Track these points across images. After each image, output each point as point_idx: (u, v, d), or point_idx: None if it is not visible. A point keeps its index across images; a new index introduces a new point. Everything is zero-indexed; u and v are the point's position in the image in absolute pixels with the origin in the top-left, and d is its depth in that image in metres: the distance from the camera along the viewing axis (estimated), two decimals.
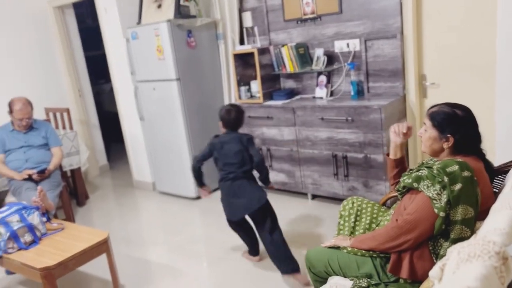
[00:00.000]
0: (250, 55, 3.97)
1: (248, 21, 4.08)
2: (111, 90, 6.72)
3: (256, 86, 3.96)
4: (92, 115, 5.33)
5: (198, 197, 4.16)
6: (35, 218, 2.66)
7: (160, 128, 4.17)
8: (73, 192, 4.47)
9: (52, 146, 3.61)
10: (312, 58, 3.75)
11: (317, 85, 3.70)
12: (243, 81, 4.00)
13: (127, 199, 4.51)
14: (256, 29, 3.92)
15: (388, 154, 2.04)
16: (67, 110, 4.44)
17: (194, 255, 3.12)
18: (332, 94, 3.67)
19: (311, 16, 3.65)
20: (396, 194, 1.88)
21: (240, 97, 3.96)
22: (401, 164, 2.01)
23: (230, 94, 4.26)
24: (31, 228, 2.61)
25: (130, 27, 4.08)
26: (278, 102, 3.71)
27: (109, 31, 4.35)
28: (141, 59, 4.08)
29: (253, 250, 2.92)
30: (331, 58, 3.64)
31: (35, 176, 3.32)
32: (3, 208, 2.67)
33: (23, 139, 3.49)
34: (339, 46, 3.57)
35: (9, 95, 4.58)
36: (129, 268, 3.02)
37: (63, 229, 2.77)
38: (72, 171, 4.30)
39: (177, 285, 2.76)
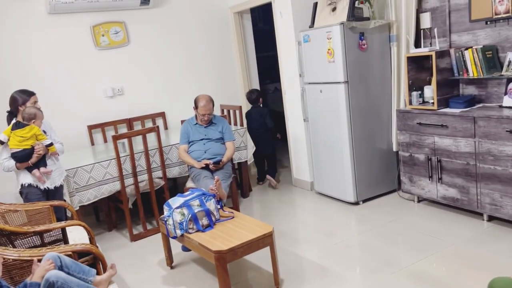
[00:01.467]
0: (426, 58, 3.72)
1: (426, 22, 3.82)
2: (274, 90, 7.08)
3: (430, 91, 3.69)
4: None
5: (357, 203, 4.09)
6: (211, 205, 2.94)
7: (323, 130, 4.21)
8: (239, 183, 4.83)
9: (227, 140, 3.95)
10: (501, 63, 3.32)
11: (505, 93, 3.27)
12: (415, 85, 3.77)
13: (286, 195, 4.68)
14: (435, 30, 3.65)
15: None
16: (240, 108, 4.81)
17: (349, 260, 3.07)
18: None
19: (504, 15, 3.23)
20: None
21: (411, 103, 3.75)
22: None
23: (400, 98, 4.06)
24: (208, 213, 2.90)
25: (303, 30, 4.21)
26: (455, 110, 3.39)
27: (283, 34, 4.56)
28: (310, 61, 4.17)
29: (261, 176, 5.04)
30: None
31: (211, 166, 3.69)
32: (187, 193, 3.03)
33: (204, 132, 3.90)
34: None
35: (191, 91, 5.23)
36: (286, 263, 3.12)
37: (233, 217, 3.01)
38: (239, 164, 4.65)
39: None
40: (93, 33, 4.63)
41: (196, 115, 3.93)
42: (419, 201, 3.95)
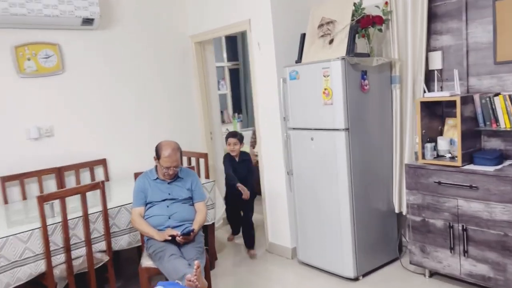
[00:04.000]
0: (437, 104, 3.15)
1: (436, 62, 3.27)
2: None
3: (445, 143, 3.10)
4: (220, 162, 4.80)
5: (356, 278, 3.29)
6: None
7: (313, 186, 3.43)
8: None
9: (197, 201, 3.02)
10: None
11: None
12: (426, 136, 3.15)
13: (260, 265, 3.78)
14: (456, 72, 3.09)
15: None
16: (205, 156, 3.90)
17: None
18: None
19: None
20: None
21: (424, 156, 3.11)
22: None
23: (403, 150, 3.42)
24: None
25: (289, 65, 3.49)
26: (485, 168, 2.79)
27: (260, 69, 3.81)
28: (298, 102, 3.44)
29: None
30: None
31: (179, 239, 2.71)
32: None
33: (167, 191, 2.94)
34: None
35: (141, 133, 4.25)
36: None
37: None
38: (204, 227, 3.69)
39: None
40: (15, 56, 3.55)
41: (156, 167, 2.97)
42: (430, 275, 3.25)
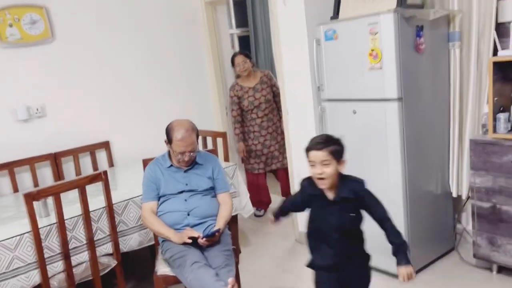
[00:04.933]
0: (510, 66, 2.55)
1: (508, 13, 2.65)
2: None
3: None
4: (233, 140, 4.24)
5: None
6: None
7: (356, 168, 2.86)
8: None
9: (220, 192, 2.48)
10: None
11: None
12: (499, 105, 2.57)
13: (289, 258, 3.28)
14: None
15: None
16: (223, 135, 3.34)
17: None
18: None
19: None
20: None
21: (495, 130, 2.53)
22: None
23: (463, 124, 2.85)
24: None
25: (324, 23, 2.88)
26: None
27: (286, 29, 3.19)
28: (337, 68, 2.85)
29: None
30: None
31: (202, 241, 2.19)
32: None
33: (184, 181, 2.39)
34: None
35: (147, 109, 3.69)
36: None
37: None
38: None
39: None
40: None
41: (169, 152, 2.43)
42: (499, 271, 2.74)
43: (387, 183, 2.70)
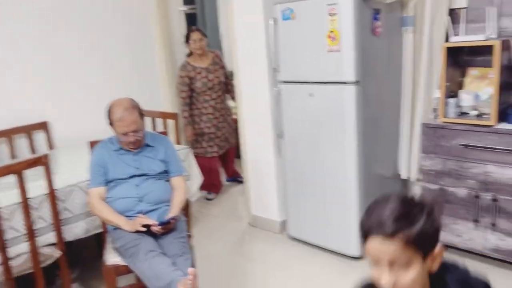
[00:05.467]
0: (460, 51, 2.62)
1: (459, 0, 2.72)
2: None
3: (470, 98, 2.60)
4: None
5: (361, 257, 2.84)
6: None
7: (311, 151, 2.86)
8: None
9: (174, 175, 2.36)
10: None
11: None
12: (449, 90, 2.65)
13: (241, 242, 3.24)
14: (488, 11, 2.54)
15: None
16: (174, 116, 3.19)
17: None
18: None
19: None
20: None
21: (446, 114, 2.61)
22: None
23: (415, 108, 2.91)
24: None
25: (281, 2, 2.79)
26: None
27: (240, 6, 3.07)
28: (293, 50, 2.79)
29: None
30: None
31: (157, 229, 2.07)
32: None
33: (134, 164, 2.24)
34: None
35: (90, 86, 3.45)
36: None
37: None
38: None
39: None
40: None
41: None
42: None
43: (343, 167, 2.72)
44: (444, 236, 2.72)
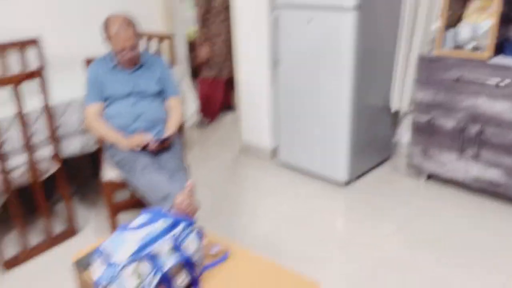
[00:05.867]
0: None
1: None
2: None
3: (468, 30, 2.59)
4: (181, 44, 4.01)
5: (348, 182, 2.96)
6: (191, 244, 1.49)
7: (306, 78, 2.87)
8: None
9: (170, 96, 2.37)
10: None
11: None
12: (449, 21, 2.62)
13: (233, 169, 3.33)
14: None
15: None
16: (169, 37, 3.13)
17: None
18: None
19: None
20: None
21: (443, 46, 2.61)
22: None
23: (412, 37, 2.89)
24: (189, 263, 1.45)
25: None
26: None
27: None
28: None
29: None
30: None
31: (152, 144, 2.12)
32: (136, 222, 1.49)
33: (130, 83, 2.24)
34: None
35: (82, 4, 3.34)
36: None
37: (228, 256, 1.62)
38: None
39: None
40: None
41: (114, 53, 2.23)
42: (428, 179, 2.99)
43: (339, 95, 2.75)
44: (428, 165, 2.83)
